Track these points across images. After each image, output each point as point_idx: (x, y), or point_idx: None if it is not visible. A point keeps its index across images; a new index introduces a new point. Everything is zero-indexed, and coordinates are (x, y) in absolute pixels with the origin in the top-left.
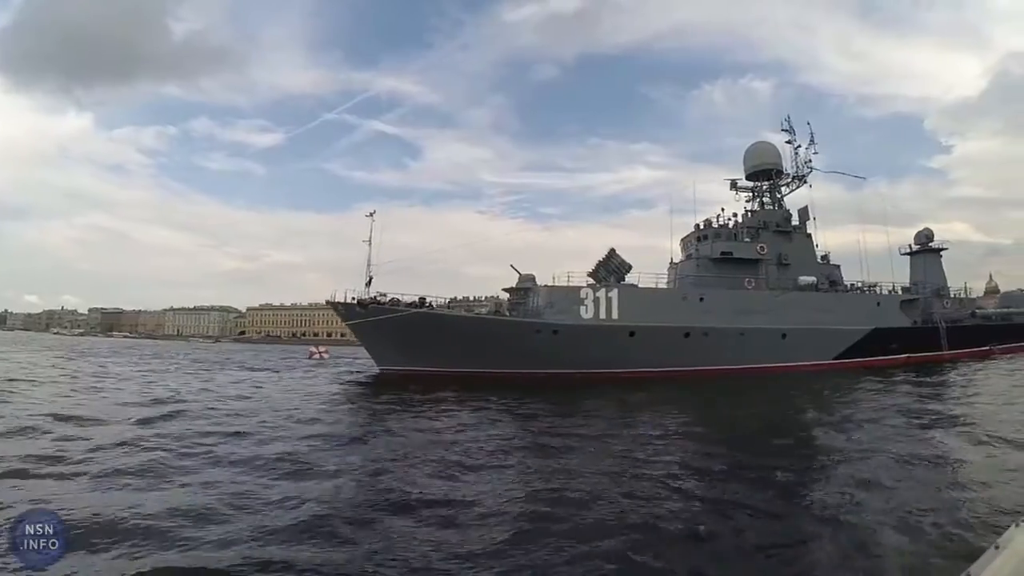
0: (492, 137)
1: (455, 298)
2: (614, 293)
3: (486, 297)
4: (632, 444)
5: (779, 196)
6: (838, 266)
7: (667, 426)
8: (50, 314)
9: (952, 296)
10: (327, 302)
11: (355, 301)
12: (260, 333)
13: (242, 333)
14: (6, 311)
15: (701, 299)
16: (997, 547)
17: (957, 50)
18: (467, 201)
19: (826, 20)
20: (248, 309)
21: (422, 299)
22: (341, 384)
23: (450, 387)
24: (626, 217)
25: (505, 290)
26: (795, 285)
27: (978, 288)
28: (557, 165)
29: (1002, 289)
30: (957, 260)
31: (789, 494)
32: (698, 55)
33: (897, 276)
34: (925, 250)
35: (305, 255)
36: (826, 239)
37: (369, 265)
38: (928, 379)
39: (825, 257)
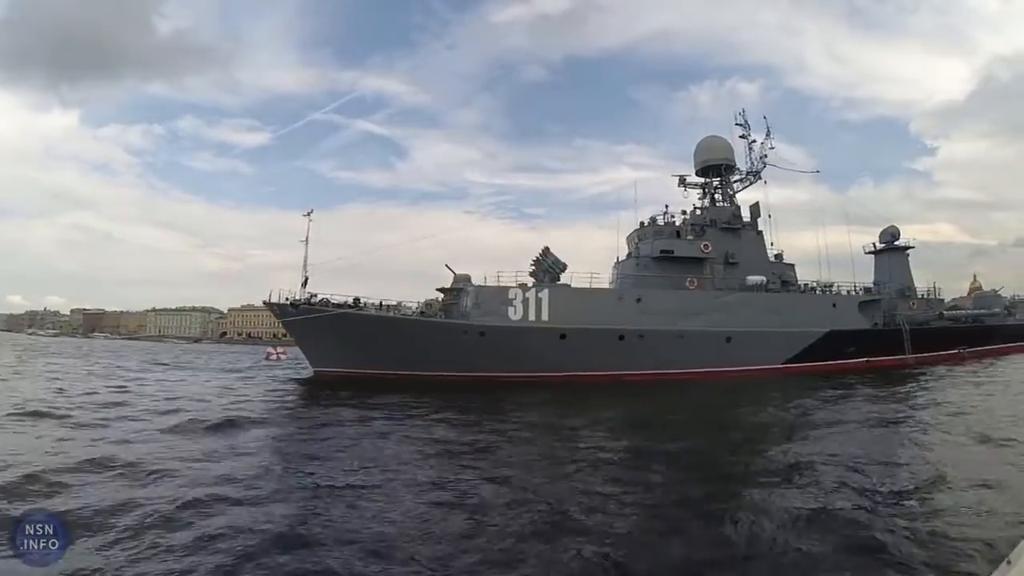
0: (479, 138)
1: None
2: (544, 293)
3: (425, 300)
4: (513, 459)
5: (731, 193)
6: (792, 265)
7: (568, 436)
8: (32, 315)
9: (920, 296)
10: (263, 302)
11: (287, 302)
12: (241, 334)
13: (223, 334)
14: None
15: (638, 300)
16: (1009, 562)
17: (942, 54)
18: (454, 202)
19: (812, 24)
20: (230, 310)
21: (356, 300)
22: (270, 387)
23: (364, 390)
24: (611, 217)
25: (439, 290)
26: (743, 285)
27: (962, 289)
28: (543, 166)
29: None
30: (942, 262)
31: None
32: (684, 58)
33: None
34: (890, 248)
35: (291, 255)
36: (812, 241)
37: (305, 265)
38: (885, 387)
39: (779, 256)
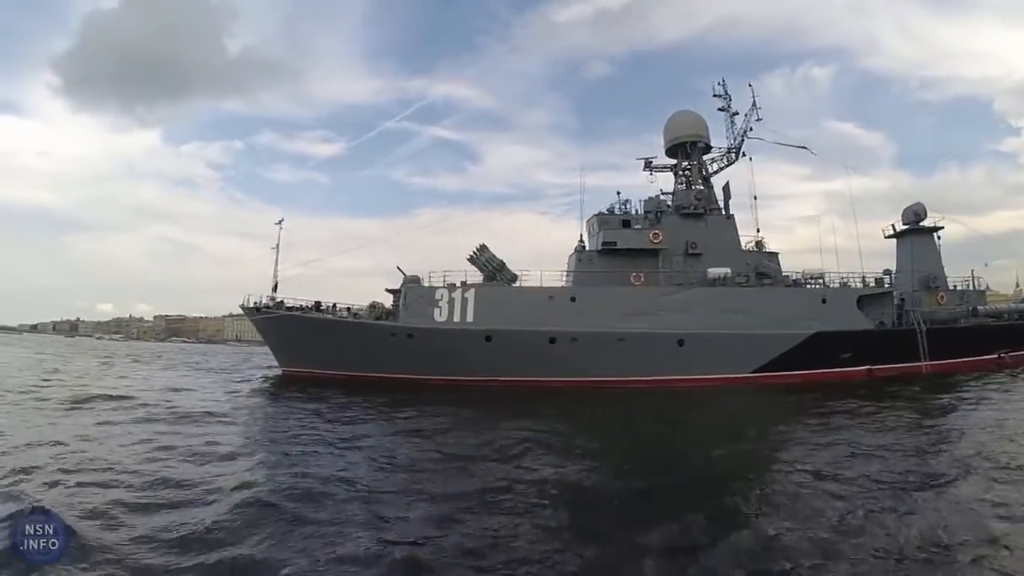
0: (548, 138)
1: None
2: (470, 293)
3: (371, 303)
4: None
5: (705, 174)
6: (774, 254)
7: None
8: (119, 321)
9: (953, 288)
10: (240, 306)
11: (253, 306)
12: None
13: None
14: (78, 319)
15: (572, 299)
16: None
17: (1022, 26)
18: (527, 203)
19: (882, 2)
20: None
21: (317, 303)
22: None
23: (309, 389)
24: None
25: (387, 291)
26: (704, 279)
27: None
28: (612, 164)
29: None
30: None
31: None
32: (753, 46)
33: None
34: (914, 230)
35: (366, 260)
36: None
37: (276, 270)
38: (871, 409)
39: (759, 244)
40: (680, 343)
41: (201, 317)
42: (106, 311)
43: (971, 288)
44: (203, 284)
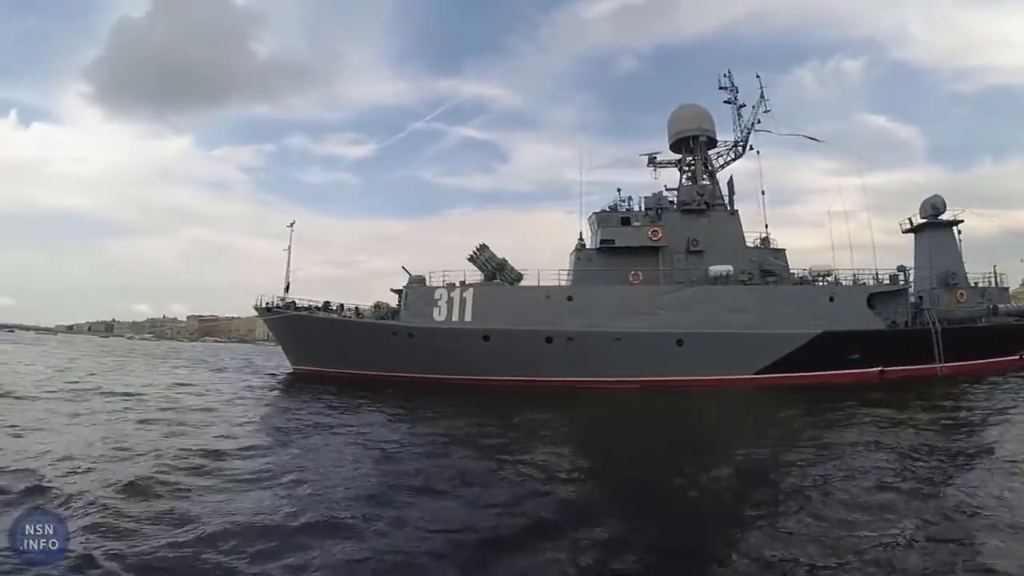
0: (577, 135)
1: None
2: (469, 293)
3: (375, 302)
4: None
5: (711, 169)
6: (781, 251)
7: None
8: (153, 322)
9: (973, 286)
10: (253, 306)
11: (265, 306)
12: None
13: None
14: (114, 320)
15: (569, 298)
16: None
17: None
18: (557, 201)
19: None
20: None
21: (326, 303)
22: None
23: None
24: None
25: (392, 291)
26: (706, 277)
27: None
28: (642, 161)
29: None
30: None
31: None
32: (782, 37)
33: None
34: (932, 224)
35: (398, 259)
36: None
37: (288, 271)
38: (889, 412)
39: (765, 240)
40: (679, 343)
41: (233, 317)
42: (142, 312)
43: (993, 285)
44: (236, 284)
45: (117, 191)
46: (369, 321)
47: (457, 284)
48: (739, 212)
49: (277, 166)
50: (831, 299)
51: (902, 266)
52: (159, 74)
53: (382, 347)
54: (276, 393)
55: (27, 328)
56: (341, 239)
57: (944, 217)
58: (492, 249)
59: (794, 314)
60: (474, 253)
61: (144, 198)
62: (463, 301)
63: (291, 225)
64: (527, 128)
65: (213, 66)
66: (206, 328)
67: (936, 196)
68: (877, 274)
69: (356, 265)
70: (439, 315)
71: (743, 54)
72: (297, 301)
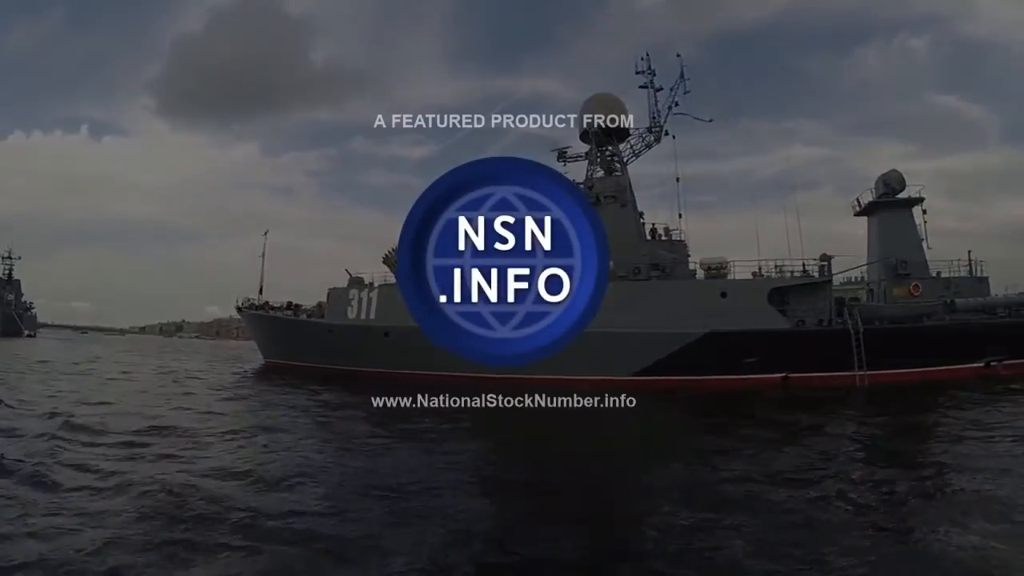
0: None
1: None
2: (374, 293)
3: (318, 302)
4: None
5: (620, 160)
6: (680, 243)
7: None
8: (219, 322)
9: (935, 276)
10: (235, 307)
11: (237, 306)
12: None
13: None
14: (183, 320)
15: None
16: None
17: None
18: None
19: None
20: None
21: (290, 303)
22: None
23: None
24: (787, 200)
25: (331, 290)
26: None
27: None
28: (707, 151)
29: None
30: None
31: None
32: (844, 17)
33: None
34: (885, 204)
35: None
36: (1005, 214)
37: (261, 275)
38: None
39: (665, 232)
40: None
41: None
42: (211, 313)
43: (969, 275)
44: (302, 285)
45: (189, 198)
46: (304, 320)
47: (367, 285)
48: (634, 204)
49: (342, 170)
50: (723, 295)
51: (825, 255)
52: (219, 86)
53: (318, 342)
54: (241, 379)
55: (101, 329)
56: None
57: (902, 196)
58: None
59: (681, 312)
60: (388, 254)
61: (214, 204)
62: (369, 300)
63: (265, 234)
64: None
65: (271, 75)
66: None
67: (892, 171)
68: (804, 264)
69: None
70: (351, 313)
71: (803, 38)
72: (271, 302)
